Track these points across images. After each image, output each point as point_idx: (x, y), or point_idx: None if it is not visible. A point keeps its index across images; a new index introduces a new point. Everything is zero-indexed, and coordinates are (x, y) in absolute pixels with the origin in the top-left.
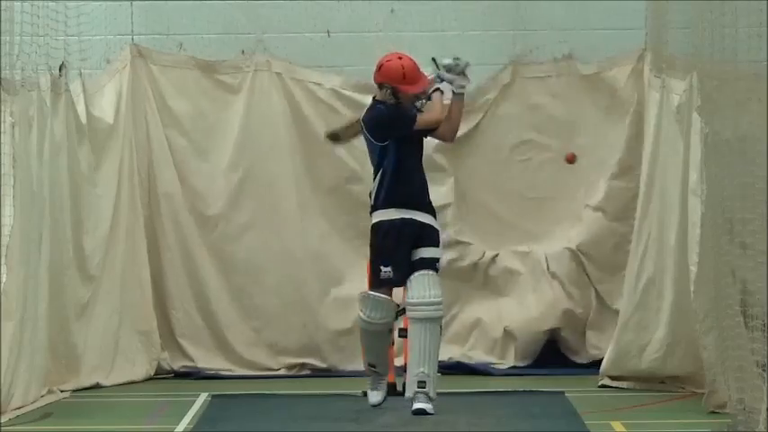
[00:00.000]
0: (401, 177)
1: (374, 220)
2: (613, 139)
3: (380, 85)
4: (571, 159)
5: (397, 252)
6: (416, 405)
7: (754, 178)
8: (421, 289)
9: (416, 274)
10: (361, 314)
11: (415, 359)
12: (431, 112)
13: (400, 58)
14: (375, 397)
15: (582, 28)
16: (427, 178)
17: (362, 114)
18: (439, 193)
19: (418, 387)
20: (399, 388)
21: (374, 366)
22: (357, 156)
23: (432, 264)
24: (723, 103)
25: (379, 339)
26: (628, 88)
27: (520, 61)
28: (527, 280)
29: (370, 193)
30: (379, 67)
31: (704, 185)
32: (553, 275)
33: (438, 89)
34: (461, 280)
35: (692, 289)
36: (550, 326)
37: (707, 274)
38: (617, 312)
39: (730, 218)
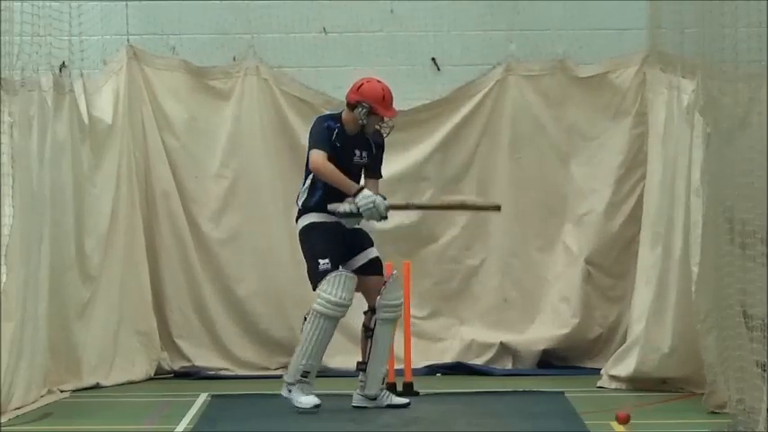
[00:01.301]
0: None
1: (306, 222)
2: (617, 142)
3: (356, 104)
4: (624, 420)
5: (334, 246)
6: (395, 400)
7: (754, 178)
8: (396, 291)
9: (393, 276)
10: (330, 296)
11: (381, 358)
12: (327, 174)
13: (379, 81)
14: (314, 399)
15: (583, 28)
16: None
17: (319, 116)
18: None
19: (383, 383)
20: (400, 388)
21: (307, 375)
22: None
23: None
24: (724, 102)
25: (331, 333)
26: (632, 90)
27: (516, 60)
28: (525, 298)
29: (298, 197)
30: (359, 87)
31: (704, 186)
32: (561, 299)
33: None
34: (454, 294)
35: (693, 289)
36: (550, 346)
37: (708, 274)
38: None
39: (730, 218)
